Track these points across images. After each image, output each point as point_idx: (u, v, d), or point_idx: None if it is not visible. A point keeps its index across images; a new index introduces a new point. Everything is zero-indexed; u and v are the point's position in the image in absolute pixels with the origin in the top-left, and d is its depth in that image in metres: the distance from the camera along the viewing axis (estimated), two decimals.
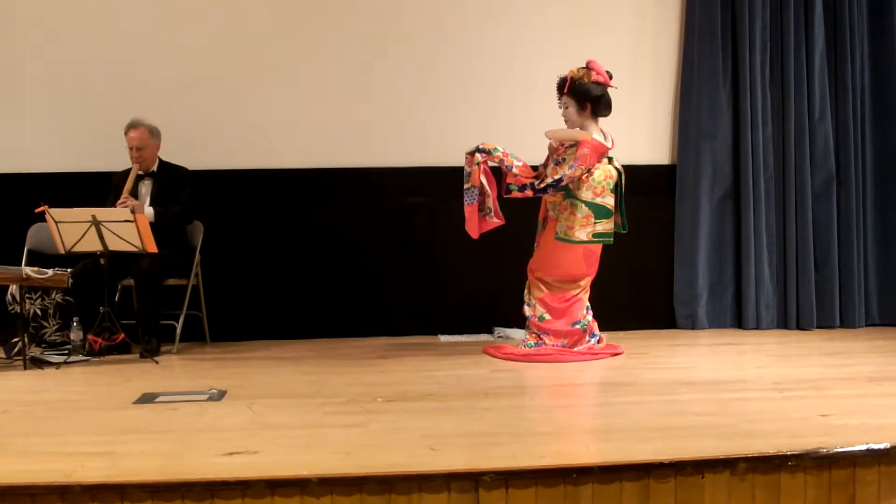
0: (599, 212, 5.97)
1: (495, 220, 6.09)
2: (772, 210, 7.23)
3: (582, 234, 5.97)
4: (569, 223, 5.99)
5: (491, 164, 6.08)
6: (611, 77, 6.05)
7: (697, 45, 7.18)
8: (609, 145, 6.05)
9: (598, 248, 6.12)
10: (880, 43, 7.35)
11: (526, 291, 6.22)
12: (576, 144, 5.95)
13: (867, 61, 7.36)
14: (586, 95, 6.01)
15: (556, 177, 5.93)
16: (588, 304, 6.20)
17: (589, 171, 5.95)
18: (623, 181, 6.09)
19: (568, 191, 5.99)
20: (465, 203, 6.04)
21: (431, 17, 7.12)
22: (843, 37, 7.23)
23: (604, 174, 6.00)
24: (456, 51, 7.12)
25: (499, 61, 7.12)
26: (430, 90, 7.10)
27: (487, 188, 6.06)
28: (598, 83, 6.01)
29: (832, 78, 7.27)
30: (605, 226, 6.02)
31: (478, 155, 6.03)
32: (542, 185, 5.99)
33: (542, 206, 6.26)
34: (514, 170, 6.03)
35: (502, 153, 6.04)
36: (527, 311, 6.19)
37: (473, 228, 6.08)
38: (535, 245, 6.27)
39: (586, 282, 6.16)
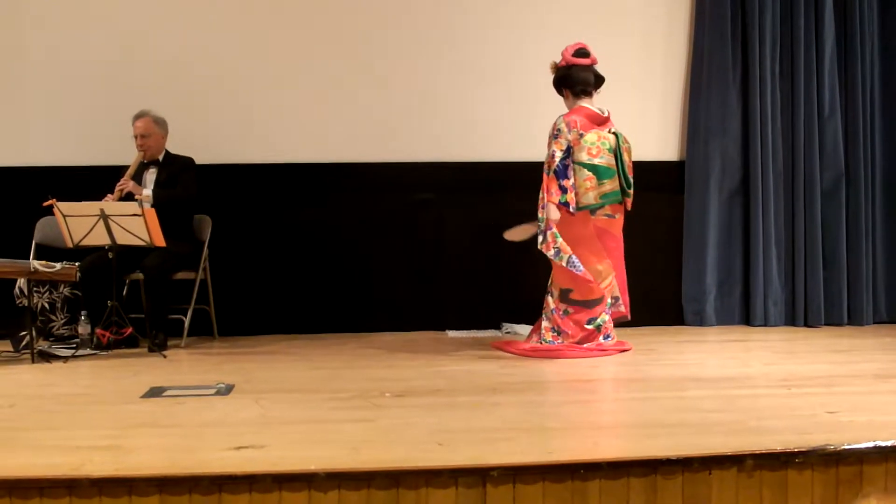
0: (600, 172, 5.92)
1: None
2: (780, 207, 7.22)
3: (588, 198, 5.93)
4: (574, 192, 5.96)
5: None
6: (581, 55, 6.06)
7: (707, 41, 7.17)
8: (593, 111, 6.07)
9: (611, 229, 6.06)
10: (891, 39, 7.34)
11: (550, 282, 6.18)
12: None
13: (877, 57, 7.35)
14: (558, 84, 6.13)
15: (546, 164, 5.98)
16: (610, 301, 6.16)
17: (581, 135, 5.94)
18: (622, 144, 6.01)
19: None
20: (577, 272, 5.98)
21: (440, 12, 7.13)
22: (854, 33, 7.22)
23: (596, 136, 5.96)
24: (465, 45, 7.12)
25: (507, 55, 7.12)
26: (439, 85, 7.11)
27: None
28: (559, 66, 6.09)
29: (842, 74, 7.26)
30: (612, 185, 5.96)
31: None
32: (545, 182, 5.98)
33: None
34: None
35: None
36: (550, 302, 6.14)
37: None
38: None
39: (610, 279, 6.12)
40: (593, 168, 5.92)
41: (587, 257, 6.00)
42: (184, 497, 3.23)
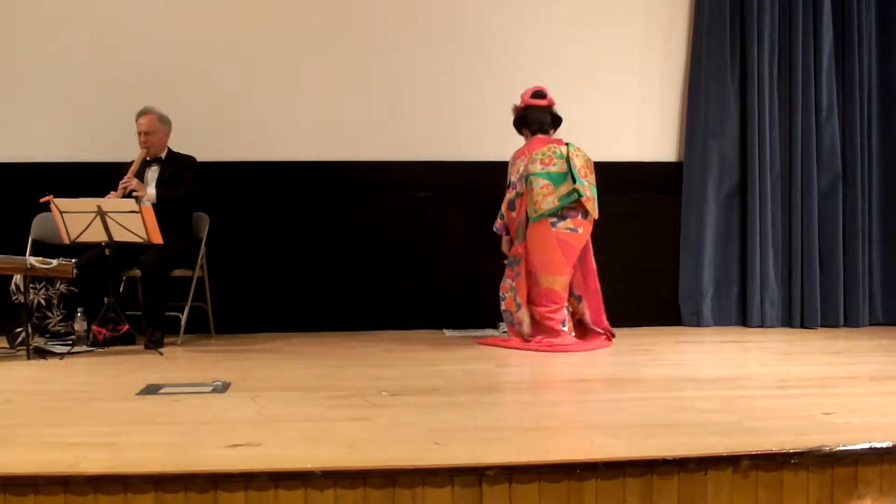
0: (555, 178, 6.15)
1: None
2: (778, 208, 7.23)
3: (548, 203, 6.14)
4: (534, 201, 6.17)
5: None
6: (538, 96, 6.38)
7: (706, 42, 7.18)
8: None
9: (575, 242, 6.22)
10: (888, 41, 7.34)
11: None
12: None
13: (875, 60, 7.36)
14: (518, 124, 6.50)
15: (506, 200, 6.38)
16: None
17: (532, 153, 6.23)
18: (573, 151, 6.21)
19: (524, 178, 6.23)
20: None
21: (440, 12, 7.13)
22: (851, 35, 7.23)
23: (547, 148, 6.22)
24: (464, 45, 7.12)
25: (507, 56, 7.11)
26: (437, 84, 7.11)
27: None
28: (519, 108, 6.44)
29: (840, 76, 7.27)
30: (567, 187, 6.15)
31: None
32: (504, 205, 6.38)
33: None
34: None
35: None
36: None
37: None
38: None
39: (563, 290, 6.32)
40: (548, 175, 6.16)
41: (550, 268, 6.23)
42: (179, 495, 3.22)
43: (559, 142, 6.31)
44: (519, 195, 6.25)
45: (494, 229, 6.42)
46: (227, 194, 6.90)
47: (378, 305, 7.09)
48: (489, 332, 6.86)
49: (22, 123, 6.89)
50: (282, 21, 7.00)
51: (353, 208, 7.07)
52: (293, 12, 7.00)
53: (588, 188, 6.19)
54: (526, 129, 6.45)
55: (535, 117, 6.40)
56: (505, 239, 6.46)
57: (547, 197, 6.12)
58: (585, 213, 6.22)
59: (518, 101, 6.45)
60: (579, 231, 6.22)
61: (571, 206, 6.16)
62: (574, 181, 6.12)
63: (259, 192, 7.01)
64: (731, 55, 7.20)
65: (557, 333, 6.17)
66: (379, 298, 7.10)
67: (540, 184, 6.13)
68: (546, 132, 6.40)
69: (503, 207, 6.35)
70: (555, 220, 6.15)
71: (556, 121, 6.45)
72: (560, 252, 6.19)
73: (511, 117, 6.49)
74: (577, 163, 6.18)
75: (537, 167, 6.16)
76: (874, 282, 7.41)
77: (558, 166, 6.15)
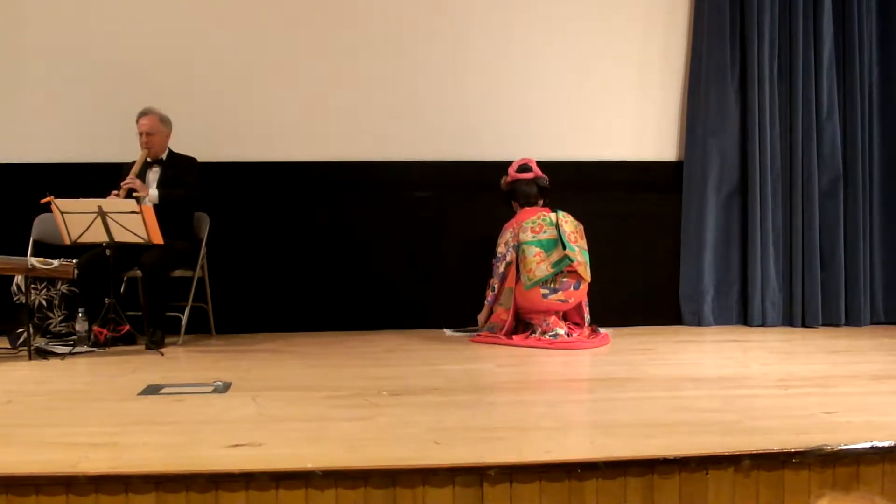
0: (546, 245, 6.28)
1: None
2: (779, 207, 7.21)
3: (542, 270, 6.25)
4: (527, 269, 6.28)
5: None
6: (524, 170, 6.59)
7: (706, 41, 7.16)
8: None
9: (563, 308, 6.40)
10: (889, 40, 7.32)
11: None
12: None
13: (876, 59, 7.34)
14: (507, 198, 6.67)
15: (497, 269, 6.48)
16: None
17: (520, 224, 6.37)
18: (561, 217, 6.35)
19: (516, 247, 6.36)
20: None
21: (440, 11, 7.11)
22: (852, 34, 7.21)
23: (537, 216, 6.37)
24: (464, 44, 7.11)
25: (505, 56, 7.10)
26: (439, 83, 7.09)
27: None
28: (507, 182, 6.63)
29: (840, 75, 7.25)
30: (559, 254, 6.26)
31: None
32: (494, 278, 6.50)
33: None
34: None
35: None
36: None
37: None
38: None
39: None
40: (539, 243, 6.28)
41: (536, 314, 6.40)
42: (180, 494, 3.23)
43: (547, 210, 6.46)
44: (509, 265, 6.36)
45: (483, 321, 6.59)
46: (227, 194, 6.89)
47: (378, 305, 7.08)
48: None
49: (23, 124, 6.88)
50: (282, 21, 6.99)
51: (353, 208, 7.06)
52: (293, 13, 6.99)
53: (579, 253, 6.30)
54: (515, 202, 6.62)
55: (522, 191, 6.60)
56: (485, 310, 6.56)
57: (540, 264, 6.24)
58: (578, 284, 6.32)
59: (507, 173, 6.65)
60: (570, 301, 6.38)
61: (564, 276, 6.26)
62: (564, 247, 6.23)
63: (259, 192, 7.01)
64: (731, 53, 7.18)
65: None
66: (379, 298, 7.09)
67: (533, 252, 6.25)
68: (534, 204, 6.56)
69: (494, 282, 6.46)
70: (547, 291, 6.28)
71: (544, 192, 6.61)
72: (545, 310, 6.37)
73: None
74: (567, 229, 6.32)
75: (528, 235, 6.29)
76: (875, 280, 7.39)
77: (549, 233, 6.28)
